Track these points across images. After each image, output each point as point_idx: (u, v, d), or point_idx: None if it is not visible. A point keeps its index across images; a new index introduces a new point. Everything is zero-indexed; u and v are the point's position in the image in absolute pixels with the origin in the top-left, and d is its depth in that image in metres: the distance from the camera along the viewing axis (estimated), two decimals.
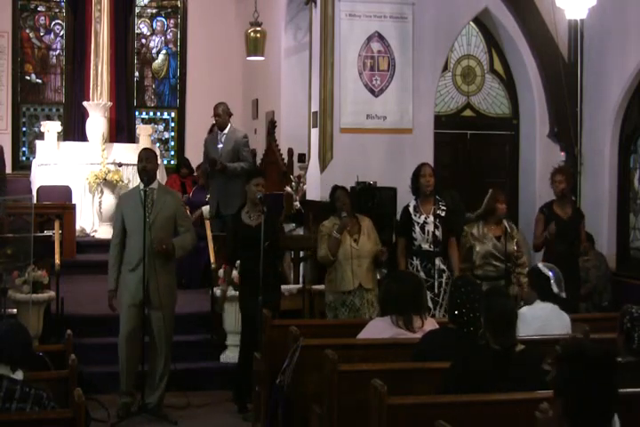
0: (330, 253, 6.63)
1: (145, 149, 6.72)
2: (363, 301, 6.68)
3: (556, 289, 5.26)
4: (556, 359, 2.77)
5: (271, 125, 11.08)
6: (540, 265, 5.49)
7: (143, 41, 14.50)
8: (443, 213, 6.97)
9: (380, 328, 4.93)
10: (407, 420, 3.65)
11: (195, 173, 11.49)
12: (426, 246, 6.90)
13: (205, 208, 9.51)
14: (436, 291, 6.75)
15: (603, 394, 2.67)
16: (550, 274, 5.31)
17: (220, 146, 8.74)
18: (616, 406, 2.70)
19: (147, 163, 6.38)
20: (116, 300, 6.35)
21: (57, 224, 8.85)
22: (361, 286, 6.68)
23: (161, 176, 11.94)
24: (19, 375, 3.81)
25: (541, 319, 5.15)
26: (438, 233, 6.89)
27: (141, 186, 6.36)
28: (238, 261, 6.78)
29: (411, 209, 6.98)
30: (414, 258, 6.92)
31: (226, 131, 8.80)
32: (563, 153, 8.87)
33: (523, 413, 3.68)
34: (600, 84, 8.57)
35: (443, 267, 6.92)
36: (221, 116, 8.74)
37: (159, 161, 7.64)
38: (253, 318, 6.30)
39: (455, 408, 3.69)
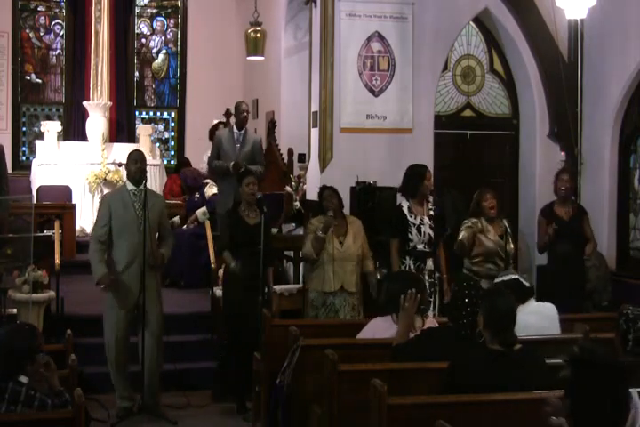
0: (313, 252, 6.63)
1: (137, 151, 6.65)
2: (344, 303, 6.67)
3: (527, 283, 5.21)
4: (569, 360, 2.77)
5: (271, 125, 11.07)
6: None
7: (143, 41, 14.49)
8: (433, 213, 7.04)
9: (380, 327, 4.95)
10: (407, 420, 3.66)
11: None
12: (420, 247, 6.94)
13: (199, 211, 9.49)
14: (428, 291, 6.76)
15: (608, 401, 2.68)
16: (513, 276, 5.23)
17: (239, 146, 8.57)
18: (622, 414, 2.69)
19: (142, 164, 6.40)
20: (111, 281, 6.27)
21: (57, 224, 8.85)
22: (343, 289, 6.67)
23: (161, 176, 11.98)
24: (23, 378, 3.82)
25: (534, 327, 5.05)
26: (432, 234, 6.94)
27: (129, 186, 6.36)
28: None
29: (405, 210, 7.00)
30: (407, 257, 6.94)
31: (243, 131, 8.64)
32: (563, 153, 8.86)
33: (523, 413, 3.69)
34: (600, 84, 8.56)
35: (432, 268, 6.96)
36: (249, 113, 8.64)
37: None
38: (246, 317, 6.31)
39: (455, 408, 3.70)
